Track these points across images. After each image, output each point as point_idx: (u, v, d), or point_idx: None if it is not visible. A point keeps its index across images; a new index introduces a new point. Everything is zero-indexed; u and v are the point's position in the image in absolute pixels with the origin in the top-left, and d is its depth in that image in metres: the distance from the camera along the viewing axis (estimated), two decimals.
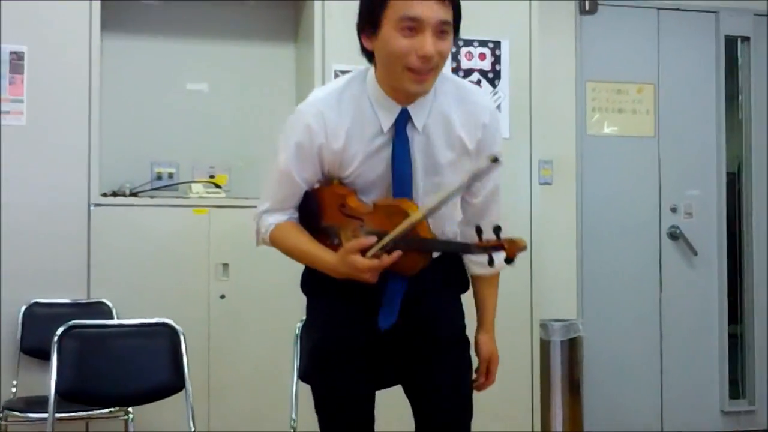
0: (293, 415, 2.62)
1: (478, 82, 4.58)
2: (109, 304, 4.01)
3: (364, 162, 2.18)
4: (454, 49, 4.51)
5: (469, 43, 4.58)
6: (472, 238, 2.08)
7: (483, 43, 4.61)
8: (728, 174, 5.56)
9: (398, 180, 2.18)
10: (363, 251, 2.10)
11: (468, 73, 4.57)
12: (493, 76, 4.62)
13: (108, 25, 4.30)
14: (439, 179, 2.21)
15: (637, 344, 5.37)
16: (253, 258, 4.21)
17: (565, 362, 4.89)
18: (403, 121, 2.17)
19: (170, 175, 4.62)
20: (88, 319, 3.12)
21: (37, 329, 3.86)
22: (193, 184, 4.44)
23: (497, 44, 4.63)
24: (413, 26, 2.05)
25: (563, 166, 5.29)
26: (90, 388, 2.88)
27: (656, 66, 5.48)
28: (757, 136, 5.60)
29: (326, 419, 2.30)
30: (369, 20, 2.12)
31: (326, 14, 4.42)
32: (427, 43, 2.05)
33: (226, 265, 4.24)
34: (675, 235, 5.43)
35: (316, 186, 2.30)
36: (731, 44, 5.61)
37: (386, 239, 2.08)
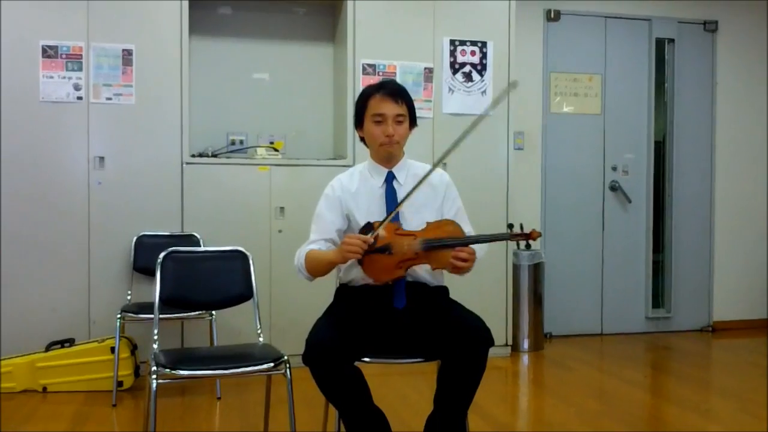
0: None
1: (470, 74, 4.54)
2: (198, 236, 4.05)
3: (369, 204, 2.51)
4: (451, 48, 4.49)
5: (462, 43, 4.52)
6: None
7: (473, 43, 4.55)
8: (656, 142, 5.50)
9: (388, 208, 2.49)
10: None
11: (462, 65, 4.53)
12: (480, 68, 4.57)
13: (195, 29, 4.28)
14: (418, 214, 2.48)
15: (584, 268, 5.38)
16: (302, 203, 4.25)
17: (531, 281, 4.91)
18: (390, 178, 2.54)
19: (241, 142, 4.62)
20: (183, 247, 3.14)
21: (145, 254, 3.92)
22: (258, 148, 4.43)
23: (484, 44, 4.57)
24: (380, 119, 2.48)
25: (532, 136, 5.25)
26: (184, 297, 2.89)
27: (603, 61, 5.39)
28: (678, 115, 5.53)
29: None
30: (358, 119, 2.55)
31: (357, 21, 4.38)
32: (389, 128, 2.47)
33: (282, 208, 4.26)
34: (614, 188, 5.41)
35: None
36: (660, 44, 5.51)
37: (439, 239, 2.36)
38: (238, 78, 4.67)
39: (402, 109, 2.51)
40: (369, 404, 2.33)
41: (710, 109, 5.58)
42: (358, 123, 2.56)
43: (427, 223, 2.43)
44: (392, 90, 2.51)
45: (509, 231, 2.32)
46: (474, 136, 4.66)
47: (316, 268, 2.47)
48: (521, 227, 2.34)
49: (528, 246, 2.36)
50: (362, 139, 2.61)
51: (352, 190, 2.55)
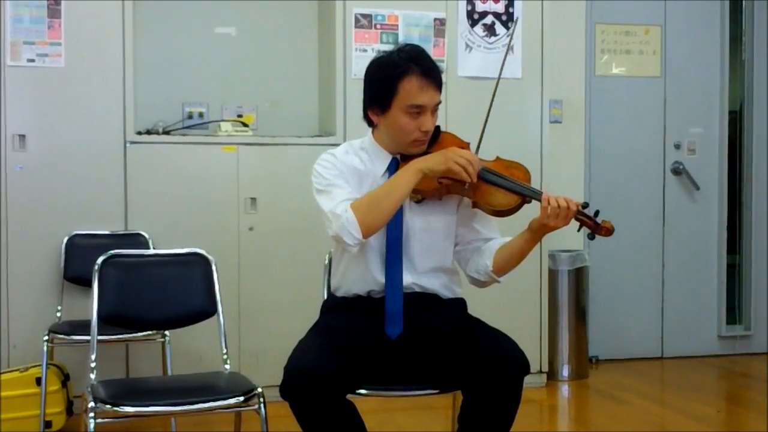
0: None
1: (492, 25, 4.53)
2: (146, 235, 4.05)
3: (373, 185, 2.50)
4: None
5: None
6: (481, 265, 2.61)
7: None
8: (731, 113, 5.50)
9: None
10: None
11: (482, 15, 4.52)
12: (506, 19, 4.56)
13: None
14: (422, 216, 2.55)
15: (639, 274, 5.38)
16: (279, 192, 4.25)
17: (571, 290, 4.92)
18: (394, 167, 2.53)
19: (200, 115, 4.62)
20: (127, 249, 3.13)
21: (79, 259, 3.91)
22: (222, 123, 4.43)
23: None
24: (418, 111, 2.43)
25: (572, 105, 5.25)
26: (129, 313, 2.91)
27: (663, 8, 5.39)
28: (759, 76, 5.52)
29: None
30: (379, 102, 2.48)
31: None
32: (429, 122, 2.47)
33: (254, 199, 4.26)
34: (678, 171, 5.41)
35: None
36: None
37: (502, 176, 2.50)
38: (197, 32, 4.66)
39: (439, 95, 2.50)
40: None
41: None
42: (378, 104, 2.49)
43: (497, 157, 2.57)
44: (431, 69, 2.47)
45: (579, 206, 2.43)
46: (499, 106, 4.66)
47: (381, 207, 2.39)
48: (596, 213, 2.41)
49: (591, 237, 2.39)
50: (370, 122, 2.56)
51: (358, 168, 2.54)
